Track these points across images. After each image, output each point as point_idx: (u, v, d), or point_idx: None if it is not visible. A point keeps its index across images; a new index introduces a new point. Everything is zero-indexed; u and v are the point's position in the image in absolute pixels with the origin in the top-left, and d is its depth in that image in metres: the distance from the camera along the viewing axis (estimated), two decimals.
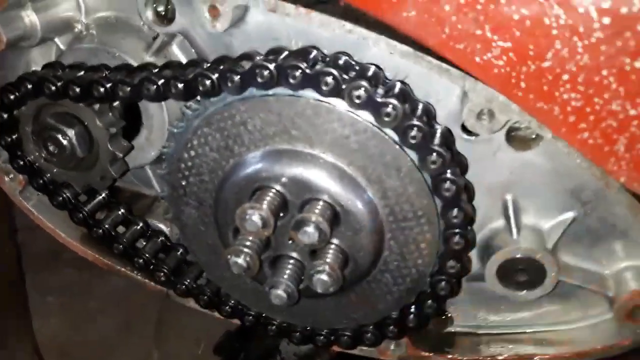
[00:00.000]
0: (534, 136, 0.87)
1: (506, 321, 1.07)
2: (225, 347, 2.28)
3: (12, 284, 1.90)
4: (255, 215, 0.80)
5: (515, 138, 0.88)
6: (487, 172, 0.89)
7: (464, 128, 0.87)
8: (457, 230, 0.83)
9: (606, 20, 0.63)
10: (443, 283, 0.89)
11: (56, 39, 1.06)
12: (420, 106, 0.80)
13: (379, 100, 0.75)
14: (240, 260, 0.83)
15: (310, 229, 0.79)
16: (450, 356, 1.08)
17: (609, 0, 0.62)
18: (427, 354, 1.09)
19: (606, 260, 0.93)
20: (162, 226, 1.14)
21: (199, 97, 0.88)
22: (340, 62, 0.80)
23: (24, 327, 1.85)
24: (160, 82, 0.83)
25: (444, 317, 1.09)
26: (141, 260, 1.08)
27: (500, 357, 1.03)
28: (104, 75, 0.87)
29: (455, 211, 0.81)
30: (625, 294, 0.91)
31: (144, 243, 1.13)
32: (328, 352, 1.47)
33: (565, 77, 0.68)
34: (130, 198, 1.20)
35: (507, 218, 0.91)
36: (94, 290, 2.71)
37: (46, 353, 2.29)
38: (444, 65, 0.78)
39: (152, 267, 1.09)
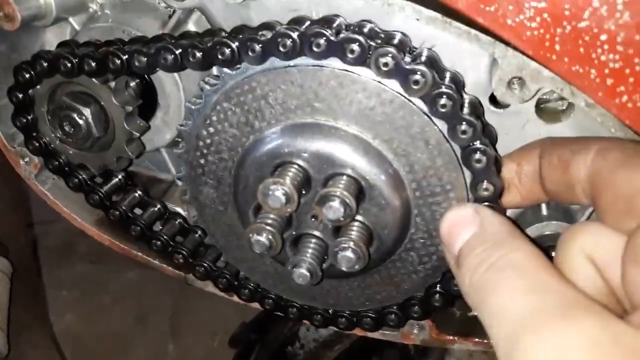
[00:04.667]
0: (564, 108, 0.85)
1: None
2: (240, 339, 2.27)
3: (29, 277, 1.89)
4: (279, 191, 0.77)
5: (545, 110, 0.85)
6: (516, 146, 0.86)
7: (492, 100, 0.84)
8: (486, 204, 0.80)
9: None
10: None
11: (70, 19, 1.05)
12: (449, 74, 0.77)
13: (406, 67, 0.72)
14: (263, 239, 0.81)
15: (335, 203, 0.76)
16: (476, 340, 1.05)
17: None
18: (451, 337, 1.06)
19: None
20: (179, 209, 1.13)
21: (216, 72, 0.86)
22: (365, 29, 0.77)
23: (41, 318, 1.85)
24: (178, 51, 0.80)
25: None
26: (159, 242, 1.06)
27: None
28: (119, 47, 0.85)
29: (485, 184, 0.78)
30: None
31: (161, 226, 1.11)
32: (349, 338, 1.44)
33: (604, 37, 0.65)
34: (146, 183, 1.18)
35: None
36: (108, 284, 2.71)
37: (61, 346, 2.29)
38: (473, 31, 0.75)
39: (170, 249, 1.07)
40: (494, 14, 0.68)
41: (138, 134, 0.96)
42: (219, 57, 0.78)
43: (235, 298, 1.11)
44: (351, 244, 0.80)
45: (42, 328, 1.82)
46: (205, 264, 1.06)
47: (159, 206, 1.09)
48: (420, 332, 1.07)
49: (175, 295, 2.64)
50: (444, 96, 0.73)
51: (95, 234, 1.16)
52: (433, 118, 0.76)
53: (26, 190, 2.05)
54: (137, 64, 0.84)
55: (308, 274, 0.82)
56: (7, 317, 1.44)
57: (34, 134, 1.00)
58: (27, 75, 0.92)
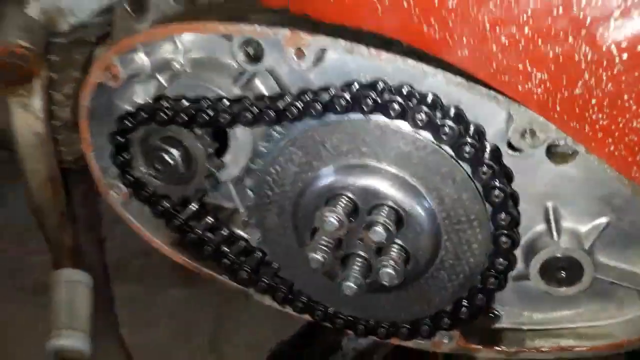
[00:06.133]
0: (571, 152, 1.01)
1: (549, 318, 1.20)
2: (278, 355, 2.42)
3: (101, 289, 2.07)
4: (333, 217, 0.97)
5: (555, 153, 1.00)
6: (530, 183, 1.02)
7: (510, 145, 1.01)
8: (505, 232, 0.97)
9: (625, 56, 0.78)
10: (492, 278, 1.03)
11: (157, 75, 1.27)
12: (472, 126, 0.95)
13: (437, 122, 0.91)
14: (318, 256, 1.00)
15: (379, 228, 0.95)
16: (497, 348, 1.21)
17: (626, 40, 0.77)
18: (476, 346, 1.22)
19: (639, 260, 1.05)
20: (242, 233, 1.32)
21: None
22: (404, 91, 0.96)
23: (113, 328, 2.05)
24: (256, 112, 1.01)
25: (492, 315, 1.22)
26: (226, 261, 1.25)
27: (543, 349, 1.16)
28: (207, 105, 1.06)
29: (503, 215, 0.96)
30: None
31: (228, 248, 1.30)
32: (385, 347, 1.60)
33: (593, 101, 0.83)
34: (212, 211, 1.38)
35: (548, 222, 1.04)
36: (154, 300, 2.91)
37: None
38: (492, 92, 0.93)
39: (235, 267, 1.26)
40: (507, 82, 0.87)
41: (216, 171, 1.17)
42: (289, 116, 0.98)
43: (290, 310, 1.29)
44: (391, 262, 0.98)
45: (114, 338, 2.02)
46: (265, 280, 1.25)
47: (227, 231, 1.28)
48: (450, 342, 1.23)
49: (216, 313, 2.82)
50: (468, 144, 0.92)
51: (170, 254, 1.37)
52: (459, 161, 0.95)
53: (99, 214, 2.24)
54: (221, 120, 1.04)
55: (355, 286, 1.01)
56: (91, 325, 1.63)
57: (129, 170, 1.22)
58: (130, 124, 1.14)
